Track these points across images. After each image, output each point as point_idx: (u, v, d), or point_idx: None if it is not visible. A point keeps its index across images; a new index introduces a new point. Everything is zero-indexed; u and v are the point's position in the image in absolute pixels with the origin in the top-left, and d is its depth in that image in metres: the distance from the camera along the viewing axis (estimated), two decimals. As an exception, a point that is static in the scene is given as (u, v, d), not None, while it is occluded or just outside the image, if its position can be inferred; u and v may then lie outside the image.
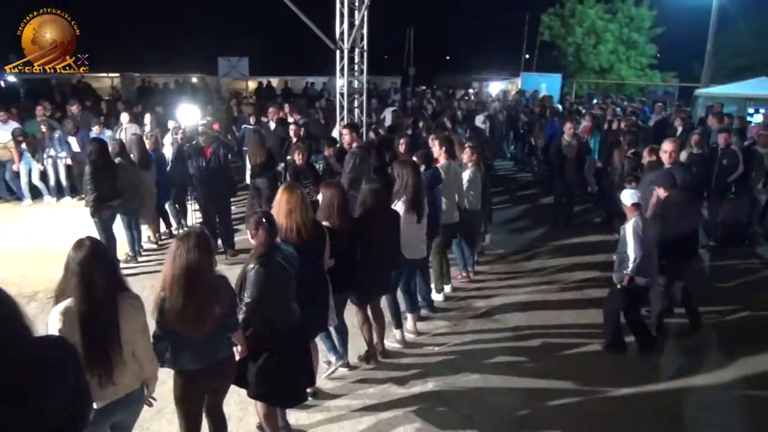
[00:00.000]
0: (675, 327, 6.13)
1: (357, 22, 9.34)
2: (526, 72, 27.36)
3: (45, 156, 10.57)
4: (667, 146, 6.66)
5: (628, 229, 5.34)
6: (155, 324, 3.20)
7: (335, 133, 9.80)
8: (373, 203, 4.85)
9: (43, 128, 10.61)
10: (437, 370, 5.17)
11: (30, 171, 10.62)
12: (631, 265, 5.26)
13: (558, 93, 21.93)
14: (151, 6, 30.17)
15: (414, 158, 6.10)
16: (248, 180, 9.41)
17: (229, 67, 21.05)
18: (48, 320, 2.80)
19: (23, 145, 10.38)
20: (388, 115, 12.89)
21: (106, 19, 29.97)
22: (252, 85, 25.41)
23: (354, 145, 7.84)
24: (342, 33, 9.48)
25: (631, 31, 28.25)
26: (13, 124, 10.76)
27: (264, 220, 3.63)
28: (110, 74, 25.24)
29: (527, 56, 32.31)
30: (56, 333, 2.70)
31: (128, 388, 3.03)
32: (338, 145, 8.29)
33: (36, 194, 10.89)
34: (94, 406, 2.80)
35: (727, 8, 20.55)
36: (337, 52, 9.59)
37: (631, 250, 5.26)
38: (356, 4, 9.33)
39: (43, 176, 10.84)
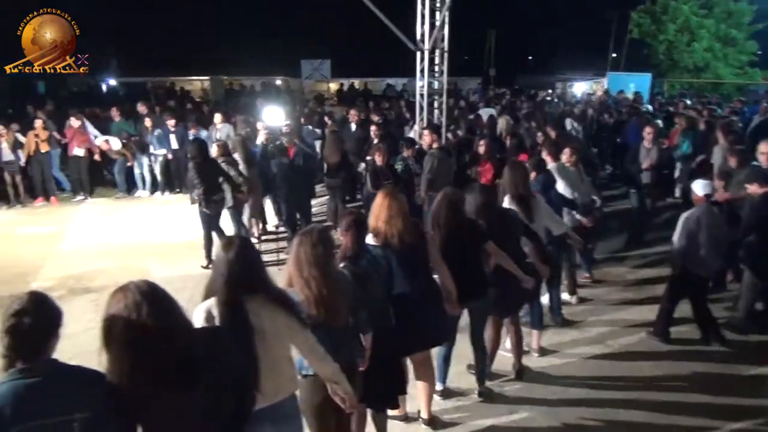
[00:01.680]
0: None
1: (438, 23, 9.33)
2: (613, 71, 26.34)
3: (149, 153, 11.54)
4: (763, 148, 6.25)
5: (682, 217, 5.34)
6: None
7: (414, 135, 9.84)
8: (483, 205, 4.59)
9: (147, 125, 11.42)
10: (542, 391, 4.89)
11: (142, 165, 11.72)
12: (675, 252, 5.33)
13: (648, 93, 20.97)
14: (238, 11, 31.41)
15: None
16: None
17: (311, 69, 21.52)
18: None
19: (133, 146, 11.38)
20: (485, 117, 12.53)
21: (197, 25, 31.57)
22: (333, 86, 25.93)
23: (434, 146, 7.85)
24: (423, 34, 9.51)
25: (729, 27, 26.62)
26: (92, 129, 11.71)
27: (354, 221, 3.64)
28: (200, 77, 26.54)
29: (614, 55, 31.08)
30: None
31: (273, 397, 2.77)
32: (417, 147, 8.32)
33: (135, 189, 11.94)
34: None
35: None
36: (418, 53, 9.62)
37: (675, 238, 5.31)
38: (437, 5, 9.33)
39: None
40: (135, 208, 10.94)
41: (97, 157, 11.60)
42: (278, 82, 26.21)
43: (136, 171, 11.79)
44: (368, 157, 8.34)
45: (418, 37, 9.55)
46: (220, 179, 7.51)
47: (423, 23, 9.45)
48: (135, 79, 27.11)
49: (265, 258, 7.93)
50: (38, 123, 11.07)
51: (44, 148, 10.99)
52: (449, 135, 10.01)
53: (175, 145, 11.45)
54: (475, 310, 4.50)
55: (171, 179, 11.96)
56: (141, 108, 12.49)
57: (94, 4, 25.06)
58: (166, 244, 8.72)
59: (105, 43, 26.45)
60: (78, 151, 11.24)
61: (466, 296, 4.19)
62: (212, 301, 2.71)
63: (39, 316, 2.11)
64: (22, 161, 10.93)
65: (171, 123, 11.47)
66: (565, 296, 6.38)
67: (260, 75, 26.45)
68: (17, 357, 2.07)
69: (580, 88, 27.12)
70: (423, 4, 9.35)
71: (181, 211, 10.42)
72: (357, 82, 26.21)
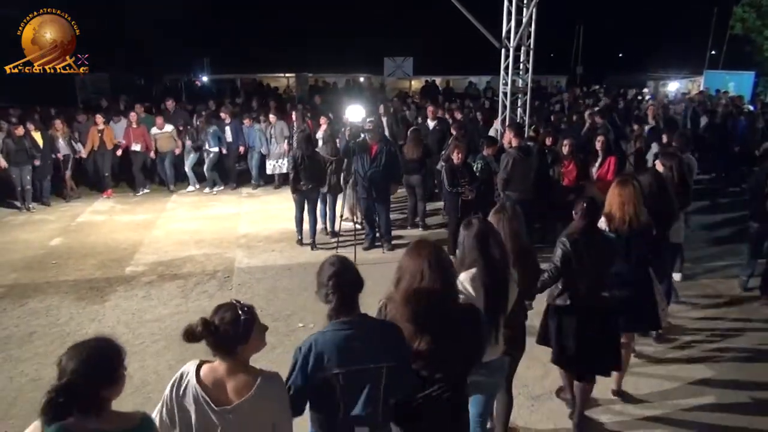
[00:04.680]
0: None
1: (525, 20, 9.12)
2: (710, 70, 24.78)
3: (203, 149, 11.87)
4: None
5: None
6: None
7: (494, 133, 9.67)
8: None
9: (202, 122, 11.95)
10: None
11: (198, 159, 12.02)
12: None
13: (750, 93, 19.58)
14: (323, 10, 32.05)
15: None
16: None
17: (394, 66, 21.57)
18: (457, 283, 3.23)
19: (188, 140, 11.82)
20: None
21: (284, 24, 32.54)
22: (416, 84, 25.91)
23: (513, 145, 7.69)
24: (509, 31, 9.32)
25: None
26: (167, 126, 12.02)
27: (585, 205, 4.02)
28: (287, 74, 27.25)
29: (713, 52, 29.22)
30: (471, 294, 3.17)
31: (491, 354, 3.26)
32: (498, 145, 8.16)
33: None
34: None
35: None
36: (503, 50, 9.45)
37: None
38: (524, 1, 9.11)
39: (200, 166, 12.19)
40: (220, 201, 11.38)
41: (152, 154, 11.85)
42: (361, 79, 26.48)
43: (186, 166, 11.99)
44: (445, 154, 8.29)
45: (504, 34, 9.37)
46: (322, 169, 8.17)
47: (509, 20, 9.27)
48: (225, 76, 28.26)
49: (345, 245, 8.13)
50: (99, 119, 11.45)
51: (108, 144, 11.43)
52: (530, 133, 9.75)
53: (229, 138, 11.89)
54: None
55: (225, 174, 12.33)
56: (169, 105, 12.88)
57: (192, 7, 26.36)
58: (248, 235, 9.03)
59: (198, 43, 27.73)
60: (135, 147, 11.58)
61: None
62: (474, 271, 3.20)
63: (354, 275, 2.52)
64: (82, 155, 11.53)
65: (225, 118, 12.01)
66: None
67: (344, 72, 26.84)
68: (341, 311, 2.47)
69: (674, 86, 25.78)
70: (510, 1, 9.17)
71: (261, 205, 10.86)
72: (439, 80, 26.03)
